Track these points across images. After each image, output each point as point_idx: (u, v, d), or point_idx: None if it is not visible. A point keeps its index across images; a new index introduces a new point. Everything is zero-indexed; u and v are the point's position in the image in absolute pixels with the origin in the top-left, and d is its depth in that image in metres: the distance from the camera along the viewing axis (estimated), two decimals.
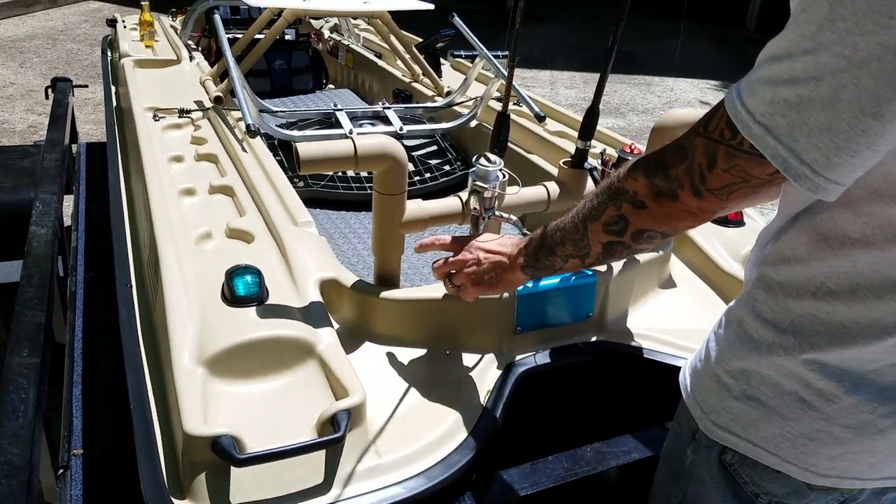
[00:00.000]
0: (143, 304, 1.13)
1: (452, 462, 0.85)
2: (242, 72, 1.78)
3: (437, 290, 1.02)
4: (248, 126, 1.46)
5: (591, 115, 1.08)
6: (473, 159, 0.97)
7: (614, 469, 0.96)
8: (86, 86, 3.10)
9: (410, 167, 1.88)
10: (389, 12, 2.11)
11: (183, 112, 1.71)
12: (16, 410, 0.94)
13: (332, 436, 0.76)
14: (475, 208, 0.98)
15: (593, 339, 1.09)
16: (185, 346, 0.87)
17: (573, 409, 1.10)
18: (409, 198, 1.00)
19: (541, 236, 0.77)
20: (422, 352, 1.02)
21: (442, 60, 2.45)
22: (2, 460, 0.84)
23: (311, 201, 1.73)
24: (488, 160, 0.97)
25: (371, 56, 2.67)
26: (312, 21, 3.10)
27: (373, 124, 1.88)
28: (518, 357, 1.03)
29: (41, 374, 1.04)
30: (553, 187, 1.15)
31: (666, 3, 5.70)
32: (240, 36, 2.17)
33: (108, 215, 1.47)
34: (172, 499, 0.75)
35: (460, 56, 2.41)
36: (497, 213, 0.98)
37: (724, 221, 1.36)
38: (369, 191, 0.99)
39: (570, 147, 1.58)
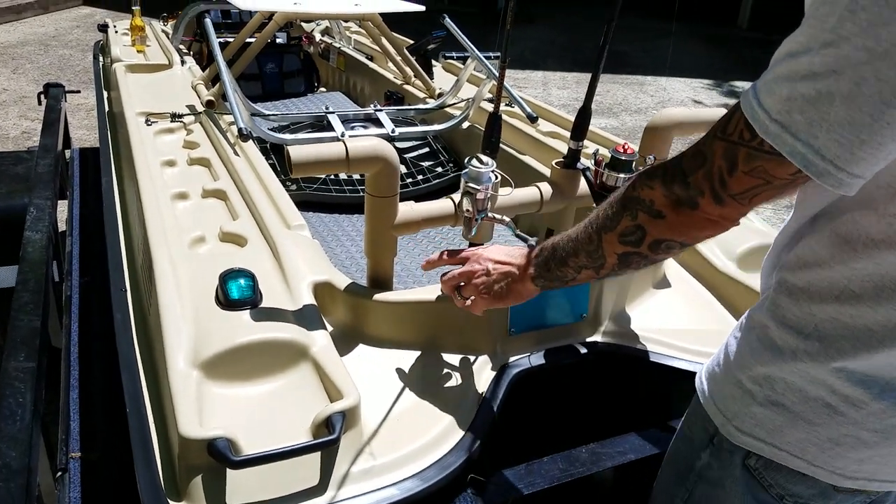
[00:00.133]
0: (137, 308, 1.13)
1: (447, 463, 0.85)
2: (234, 76, 1.79)
3: (430, 292, 1.03)
4: (240, 130, 1.47)
5: (584, 115, 1.09)
6: (465, 161, 0.98)
7: (609, 470, 0.96)
8: (78, 91, 3.08)
9: (403, 169, 1.89)
10: (380, 14, 2.12)
11: (175, 116, 1.71)
12: (13, 414, 0.95)
13: (327, 438, 0.77)
14: (468, 210, 0.99)
15: (588, 339, 1.09)
16: (179, 350, 0.88)
17: (568, 410, 1.11)
18: (402, 200, 1.01)
19: (552, 247, 0.75)
20: (416, 354, 1.02)
21: (433, 62, 2.46)
22: (0, 464, 0.85)
23: (303, 204, 1.73)
24: (480, 161, 0.97)
25: (362, 58, 2.67)
26: (304, 24, 3.10)
27: (365, 127, 1.88)
28: (512, 358, 1.03)
29: (38, 378, 1.04)
30: (546, 188, 1.16)
31: (658, 3, 5.73)
32: (231, 40, 2.17)
33: (102, 220, 1.47)
34: (169, 501, 0.75)
35: (452, 57, 2.42)
36: (490, 214, 0.99)
37: None
38: (362, 193, 1.00)
39: (563, 147, 1.59)
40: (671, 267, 1.32)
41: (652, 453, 0.98)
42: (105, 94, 2.26)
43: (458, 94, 2.05)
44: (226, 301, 0.95)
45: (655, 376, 1.10)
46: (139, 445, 0.82)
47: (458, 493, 0.87)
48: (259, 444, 0.76)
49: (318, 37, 3.05)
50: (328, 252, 1.54)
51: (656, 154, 1.18)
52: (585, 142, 1.14)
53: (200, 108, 1.77)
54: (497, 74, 1.15)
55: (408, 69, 2.30)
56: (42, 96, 2.54)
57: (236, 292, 0.96)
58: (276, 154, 1.80)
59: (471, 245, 1.08)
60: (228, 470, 0.75)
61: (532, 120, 1.83)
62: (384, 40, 2.33)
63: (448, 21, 2.11)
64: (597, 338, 1.10)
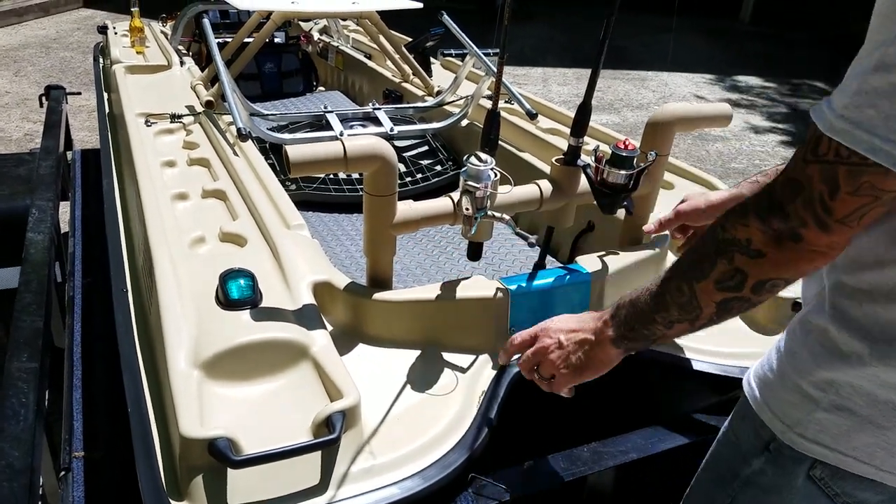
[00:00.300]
0: (138, 308, 1.13)
1: (448, 462, 0.85)
2: (232, 76, 1.79)
3: (429, 291, 1.03)
4: (238, 130, 1.47)
5: (584, 111, 1.08)
6: (464, 159, 0.98)
7: (611, 469, 0.96)
8: (79, 93, 3.09)
9: (402, 168, 1.89)
10: (378, 12, 2.12)
11: (174, 117, 1.71)
12: (16, 414, 0.95)
13: (328, 437, 0.77)
14: (467, 208, 0.98)
15: None
16: (180, 350, 0.88)
17: (569, 409, 1.11)
18: (401, 199, 1.00)
19: (630, 304, 0.70)
20: (416, 353, 1.02)
21: (432, 60, 2.45)
22: (3, 464, 0.85)
23: (303, 204, 1.73)
24: (479, 159, 0.97)
25: (361, 57, 2.67)
26: (302, 23, 3.10)
27: (363, 126, 1.88)
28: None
29: (41, 378, 1.05)
30: (546, 185, 1.15)
31: None
32: (230, 40, 2.17)
33: (103, 221, 1.47)
34: (171, 501, 0.75)
35: (450, 55, 2.41)
36: (489, 212, 0.99)
37: None
38: (361, 193, 0.99)
39: (563, 144, 1.59)
40: None
41: (654, 452, 0.98)
42: (105, 95, 2.26)
43: (457, 92, 2.04)
44: (226, 301, 0.95)
45: (658, 375, 1.09)
46: (140, 445, 0.83)
47: (459, 492, 0.87)
48: (259, 444, 0.76)
49: (316, 36, 3.05)
50: (328, 252, 1.54)
51: (658, 150, 1.17)
52: (586, 138, 1.14)
53: (200, 109, 1.77)
54: (496, 71, 1.14)
55: (406, 67, 2.30)
56: (43, 98, 2.55)
57: (236, 292, 0.96)
58: (275, 154, 1.80)
59: (470, 244, 1.08)
60: (229, 469, 0.75)
61: (531, 117, 1.82)
62: (382, 38, 2.32)
63: (446, 18, 2.10)
64: None
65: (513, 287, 1.03)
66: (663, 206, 1.32)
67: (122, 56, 2.25)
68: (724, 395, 1.10)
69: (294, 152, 0.90)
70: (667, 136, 1.17)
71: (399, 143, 1.96)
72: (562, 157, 1.15)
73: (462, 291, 1.02)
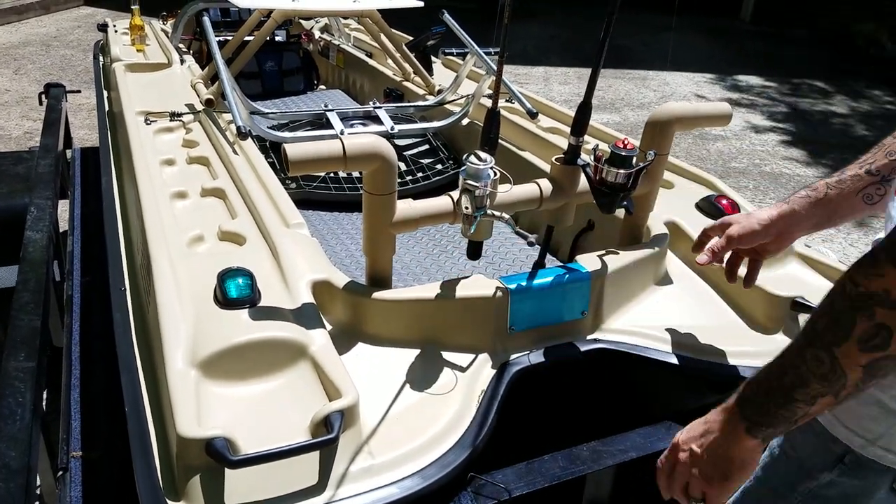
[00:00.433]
0: (136, 307, 1.13)
1: (447, 462, 0.85)
2: (233, 74, 1.78)
3: (429, 290, 1.02)
4: (238, 128, 1.46)
5: (584, 110, 1.08)
6: (464, 158, 0.97)
7: (611, 468, 0.96)
8: (79, 91, 3.08)
9: (402, 167, 1.88)
10: (379, 11, 2.11)
11: (174, 115, 1.71)
12: (13, 414, 0.95)
13: (326, 437, 0.77)
14: (466, 207, 0.98)
15: (589, 337, 1.09)
16: (178, 349, 0.87)
17: (569, 408, 1.10)
18: (402, 197, 1.00)
19: (757, 386, 0.64)
20: (415, 352, 1.02)
21: (433, 58, 2.44)
22: (0, 464, 0.85)
23: (303, 203, 1.73)
24: (479, 158, 0.96)
25: (362, 56, 2.67)
26: (303, 22, 3.09)
27: (364, 124, 1.88)
28: (512, 356, 1.03)
29: (38, 377, 1.05)
30: (545, 184, 1.15)
31: None
32: (230, 38, 2.17)
33: (103, 220, 1.47)
34: (168, 500, 0.75)
35: (451, 54, 2.41)
36: (489, 211, 0.98)
37: (721, 216, 1.36)
38: (361, 191, 0.99)
39: (564, 143, 1.58)
40: (673, 263, 1.31)
41: (653, 451, 0.98)
42: (105, 93, 2.26)
43: (458, 91, 2.04)
44: (224, 300, 0.95)
45: (657, 373, 1.09)
46: (138, 445, 0.82)
47: (459, 491, 0.87)
48: (257, 444, 0.76)
49: (317, 34, 3.04)
50: (328, 250, 1.54)
51: (657, 149, 1.17)
52: (587, 137, 1.13)
53: (199, 107, 1.77)
54: (496, 70, 1.14)
55: (407, 66, 2.29)
56: (43, 96, 2.54)
57: (234, 291, 0.96)
58: (275, 152, 1.80)
59: (470, 242, 1.08)
60: (227, 469, 0.75)
61: (532, 116, 1.81)
62: (383, 37, 2.32)
63: (447, 17, 2.10)
64: (598, 335, 1.09)
65: (512, 286, 1.02)
66: (662, 206, 1.32)
67: (122, 54, 2.25)
68: (724, 393, 1.10)
69: (293, 151, 0.89)
70: (666, 135, 1.17)
71: (400, 142, 1.95)
72: (562, 156, 1.14)
73: (462, 290, 1.02)
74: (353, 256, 1.54)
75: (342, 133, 1.76)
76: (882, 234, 0.64)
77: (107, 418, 1.18)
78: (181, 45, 2.40)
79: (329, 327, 0.99)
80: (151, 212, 1.20)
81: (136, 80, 2.02)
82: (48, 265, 1.39)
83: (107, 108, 2.14)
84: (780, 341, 1.14)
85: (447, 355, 1.02)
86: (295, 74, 2.75)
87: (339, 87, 2.76)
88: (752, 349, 1.11)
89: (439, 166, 1.94)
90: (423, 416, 0.91)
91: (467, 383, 0.97)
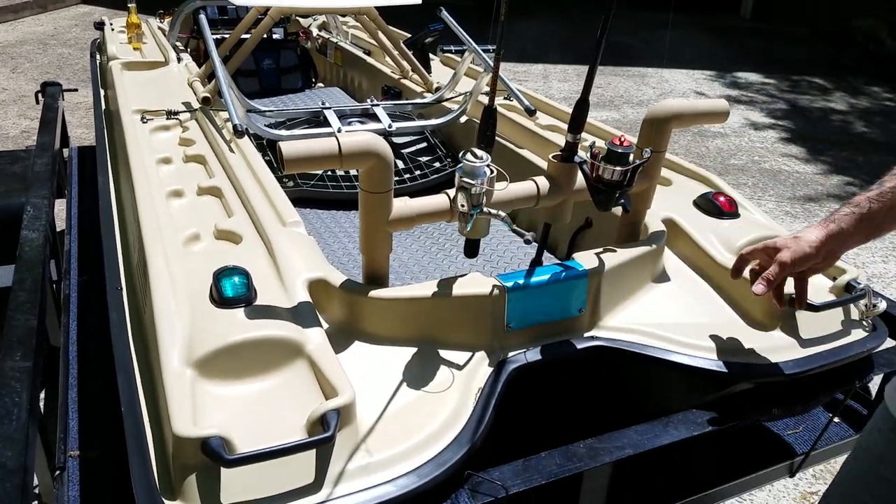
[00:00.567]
0: (133, 306, 1.12)
1: (444, 459, 0.85)
2: (229, 72, 1.78)
3: (426, 288, 1.02)
4: (234, 126, 1.46)
5: (581, 107, 1.07)
6: (460, 155, 0.97)
7: (608, 465, 0.96)
8: (76, 90, 3.08)
9: (400, 164, 1.88)
10: (377, 8, 2.10)
11: (171, 114, 1.70)
12: (9, 414, 0.95)
13: (322, 435, 0.76)
14: (463, 205, 0.98)
15: (586, 334, 1.08)
16: (173, 348, 0.87)
17: (566, 405, 1.10)
18: (400, 195, 1.00)
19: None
20: (412, 350, 1.01)
21: (431, 56, 2.44)
22: None
23: (300, 201, 1.73)
24: (475, 156, 0.96)
25: (360, 53, 2.66)
26: (300, 19, 3.08)
27: (362, 122, 1.87)
28: (510, 354, 1.02)
29: (34, 377, 1.04)
30: (542, 182, 1.14)
31: None
32: (227, 36, 2.16)
33: (99, 219, 1.46)
34: (164, 500, 0.75)
35: (450, 51, 2.40)
36: (485, 209, 0.98)
37: (719, 213, 1.36)
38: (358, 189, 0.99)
39: (562, 141, 1.57)
40: (671, 260, 1.31)
41: (650, 448, 0.98)
42: (102, 92, 2.25)
43: (456, 88, 2.03)
44: (220, 299, 0.95)
45: (654, 371, 1.09)
46: (134, 444, 0.82)
47: (455, 489, 0.87)
48: (254, 443, 0.75)
49: (315, 32, 3.03)
50: (325, 249, 1.54)
51: (655, 146, 1.16)
52: (586, 135, 1.13)
53: (196, 105, 1.76)
54: (497, 67, 1.14)
55: (405, 64, 2.29)
56: (39, 95, 2.54)
57: (230, 290, 0.95)
58: (273, 150, 1.80)
59: (467, 241, 1.08)
60: (223, 468, 0.75)
61: (530, 113, 1.81)
62: (381, 34, 2.31)
63: (445, 14, 2.09)
64: (595, 332, 1.09)
65: (509, 284, 1.02)
66: (660, 203, 1.32)
67: (118, 52, 2.24)
68: (720, 390, 1.10)
69: (288, 148, 0.89)
70: (664, 132, 1.17)
71: (397, 140, 1.95)
72: (559, 153, 1.14)
73: (458, 289, 1.02)
74: (351, 255, 1.53)
75: (339, 131, 1.75)
76: None
77: (104, 417, 1.18)
78: (178, 43, 2.39)
79: (325, 326, 0.98)
80: (147, 210, 1.19)
81: (132, 78, 2.01)
82: (45, 264, 1.39)
83: (103, 106, 2.13)
84: (778, 338, 1.13)
85: (444, 353, 1.02)
86: (293, 72, 2.75)
87: (338, 85, 2.75)
88: (749, 346, 1.11)
89: (437, 164, 1.93)
90: (420, 414, 0.91)
91: (464, 381, 0.97)
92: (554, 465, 0.94)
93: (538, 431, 1.02)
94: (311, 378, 0.89)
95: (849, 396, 1.27)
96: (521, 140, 1.77)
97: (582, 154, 1.12)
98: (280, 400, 0.86)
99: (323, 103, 1.96)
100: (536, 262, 1.10)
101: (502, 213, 0.99)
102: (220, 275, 0.97)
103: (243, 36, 2.07)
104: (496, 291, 1.01)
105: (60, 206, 2.10)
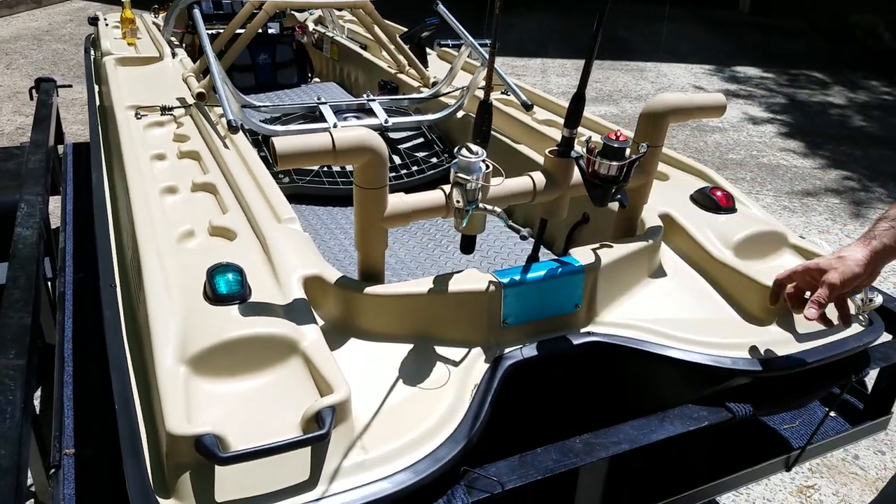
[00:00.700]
0: (127, 303, 1.12)
1: (440, 456, 0.85)
2: (224, 67, 1.76)
3: (421, 284, 1.02)
4: (229, 122, 1.45)
5: (577, 101, 1.06)
6: (455, 150, 0.96)
7: (604, 460, 0.96)
8: (70, 86, 3.06)
9: (397, 160, 1.87)
10: (372, 2, 2.09)
11: (165, 109, 1.69)
12: (3, 412, 0.94)
13: (317, 433, 0.76)
14: (458, 201, 0.97)
15: (582, 330, 1.08)
16: (167, 346, 0.87)
17: (563, 401, 1.10)
18: (397, 191, 0.99)
19: None
20: (408, 347, 1.01)
21: (428, 50, 2.42)
22: None
23: (296, 197, 1.72)
24: (470, 151, 0.95)
25: (356, 48, 2.64)
26: (297, 14, 3.06)
27: (358, 117, 1.86)
28: (506, 350, 1.02)
29: (28, 375, 1.04)
30: (539, 177, 1.14)
31: None
32: (223, 31, 2.14)
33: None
34: (158, 498, 0.75)
35: (447, 45, 2.39)
36: (481, 205, 0.97)
37: (716, 208, 1.36)
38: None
39: (559, 136, 1.57)
40: (667, 255, 1.31)
41: (646, 443, 0.98)
42: (96, 88, 2.24)
43: (453, 83, 2.02)
44: (213, 296, 0.94)
45: (650, 366, 1.09)
46: (128, 442, 0.82)
47: (451, 485, 0.86)
48: (248, 440, 0.75)
49: (311, 26, 3.01)
50: (322, 245, 1.53)
51: (652, 141, 1.16)
52: (584, 130, 1.12)
53: (191, 101, 1.75)
54: (493, 62, 1.13)
55: (401, 58, 2.27)
56: (34, 91, 2.52)
57: (224, 287, 0.95)
58: (268, 146, 1.79)
59: (463, 237, 1.07)
60: (217, 466, 0.74)
61: (527, 108, 1.80)
62: (377, 29, 2.29)
63: (441, 7, 2.08)
64: (591, 328, 1.09)
65: (505, 280, 1.02)
66: (657, 198, 1.31)
67: (112, 48, 2.22)
68: (717, 385, 1.10)
69: (281, 144, 0.88)
70: (660, 126, 1.16)
71: (394, 135, 1.94)
72: (555, 148, 1.13)
73: (454, 285, 1.01)
74: (347, 251, 1.53)
75: (335, 126, 1.74)
76: None
77: (100, 415, 1.17)
78: (173, 39, 2.37)
79: (321, 322, 0.98)
80: (141, 207, 1.19)
81: (126, 73, 2.00)
82: (39, 262, 1.38)
83: (97, 102, 2.12)
84: (774, 333, 1.13)
85: (440, 350, 1.01)
86: (288, 67, 2.73)
87: (334, 80, 2.74)
88: (745, 341, 1.11)
89: (434, 159, 1.92)
90: (416, 410, 0.91)
91: (460, 377, 0.97)
92: (550, 460, 0.94)
93: (534, 427, 1.02)
94: (307, 375, 0.88)
95: (845, 391, 1.27)
96: (518, 135, 1.76)
97: (578, 149, 1.11)
98: (275, 397, 0.85)
99: (319, 98, 1.94)
100: (533, 258, 1.09)
101: (498, 209, 0.98)
102: (214, 272, 0.97)
103: (238, 31, 2.06)
104: (492, 287, 1.01)
105: (56, 203, 2.09)
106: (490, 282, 1.02)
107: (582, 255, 1.10)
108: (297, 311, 0.95)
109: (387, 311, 1.02)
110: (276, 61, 2.69)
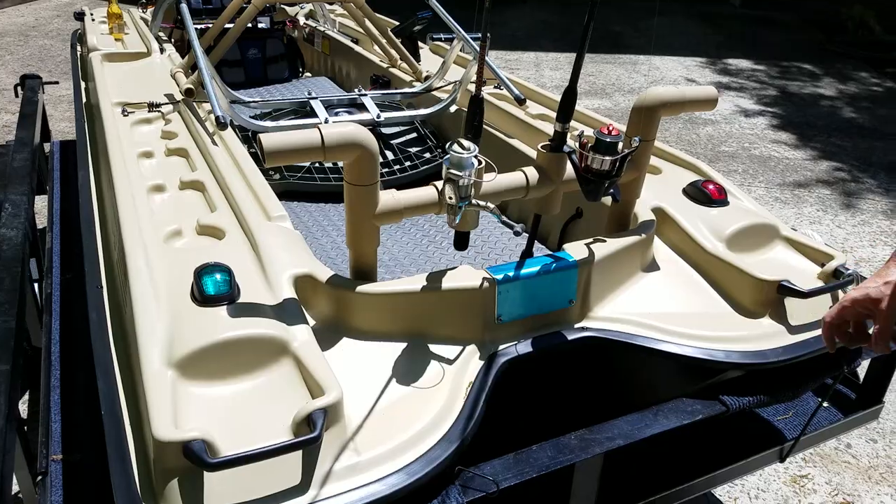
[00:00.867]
0: (114, 305, 1.10)
1: (433, 457, 0.83)
2: (213, 62, 1.73)
3: (414, 282, 1.00)
4: (217, 118, 1.42)
5: (569, 95, 1.05)
6: (447, 146, 0.95)
7: (599, 456, 0.95)
8: (56, 82, 3.01)
9: (390, 155, 1.85)
10: None
11: (152, 106, 1.66)
12: None
13: (308, 436, 0.75)
14: (450, 197, 0.96)
15: (576, 325, 1.07)
16: (154, 349, 0.85)
17: (557, 397, 1.09)
18: (390, 187, 0.97)
19: None
20: (401, 345, 1.00)
21: (420, 44, 2.40)
22: None
23: (287, 194, 1.70)
24: (462, 147, 0.94)
25: (348, 42, 2.61)
26: (287, 8, 3.02)
27: (349, 112, 1.84)
28: (500, 347, 1.01)
29: (13, 380, 1.02)
30: (531, 172, 1.13)
31: None
32: (212, 25, 2.11)
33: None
34: None
35: (439, 39, 2.37)
36: (473, 201, 0.96)
37: (708, 201, 1.35)
38: None
39: (552, 130, 1.55)
40: (660, 249, 1.30)
41: (641, 438, 0.97)
42: (83, 84, 2.20)
43: (446, 77, 2.00)
44: (201, 297, 0.93)
45: (644, 360, 1.08)
46: (114, 448, 0.80)
47: (446, 486, 0.85)
48: (238, 445, 0.74)
49: (302, 21, 2.98)
50: (314, 243, 1.51)
51: (644, 135, 1.14)
52: (576, 124, 1.11)
53: (179, 97, 1.72)
54: (483, 55, 1.11)
55: (393, 52, 2.25)
56: (19, 88, 2.47)
57: (212, 288, 0.93)
58: (257, 143, 1.76)
59: (456, 233, 1.06)
60: (205, 472, 0.73)
61: (520, 102, 1.78)
62: (368, 23, 2.27)
63: (433, 1, 2.05)
64: (586, 323, 1.08)
65: (499, 276, 1.01)
66: (649, 192, 1.30)
67: (99, 43, 2.18)
68: (710, 378, 1.09)
69: (268, 140, 0.86)
70: (652, 120, 1.15)
71: (387, 130, 1.92)
72: (548, 143, 1.12)
73: (447, 282, 1.00)
74: (340, 249, 1.51)
75: (326, 122, 1.72)
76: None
77: (88, 419, 1.15)
78: (161, 34, 2.33)
79: (312, 323, 0.96)
80: (127, 206, 1.16)
81: (113, 70, 1.96)
82: (24, 263, 1.36)
83: (84, 99, 2.08)
84: (767, 325, 1.13)
85: (434, 348, 1.00)
86: (279, 62, 2.70)
87: (325, 75, 2.71)
88: (739, 334, 1.10)
89: (427, 155, 1.90)
90: (410, 410, 0.90)
91: (455, 376, 0.96)
92: (545, 457, 0.93)
93: (529, 424, 1.01)
94: (297, 377, 0.87)
95: (837, 381, 1.28)
96: (511, 129, 1.74)
97: (571, 143, 1.10)
98: (265, 400, 0.84)
99: (310, 93, 1.92)
100: (527, 254, 1.08)
101: (491, 205, 0.97)
102: (202, 272, 0.95)
103: (227, 25, 2.02)
104: (486, 284, 1.00)
105: (43, 202, 2.06)
106: (484, 278, 1.00)
107: (576, 250, 1.09)
108: (287, 312, 0.93)
109: (379, 310, 1.00)
110: (266, 56, 2.65)
